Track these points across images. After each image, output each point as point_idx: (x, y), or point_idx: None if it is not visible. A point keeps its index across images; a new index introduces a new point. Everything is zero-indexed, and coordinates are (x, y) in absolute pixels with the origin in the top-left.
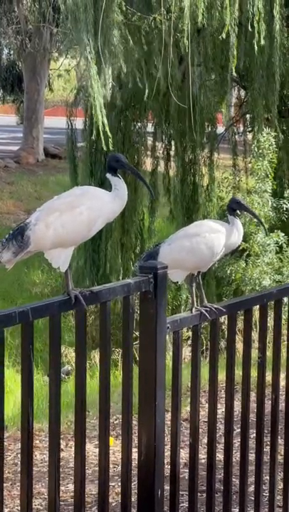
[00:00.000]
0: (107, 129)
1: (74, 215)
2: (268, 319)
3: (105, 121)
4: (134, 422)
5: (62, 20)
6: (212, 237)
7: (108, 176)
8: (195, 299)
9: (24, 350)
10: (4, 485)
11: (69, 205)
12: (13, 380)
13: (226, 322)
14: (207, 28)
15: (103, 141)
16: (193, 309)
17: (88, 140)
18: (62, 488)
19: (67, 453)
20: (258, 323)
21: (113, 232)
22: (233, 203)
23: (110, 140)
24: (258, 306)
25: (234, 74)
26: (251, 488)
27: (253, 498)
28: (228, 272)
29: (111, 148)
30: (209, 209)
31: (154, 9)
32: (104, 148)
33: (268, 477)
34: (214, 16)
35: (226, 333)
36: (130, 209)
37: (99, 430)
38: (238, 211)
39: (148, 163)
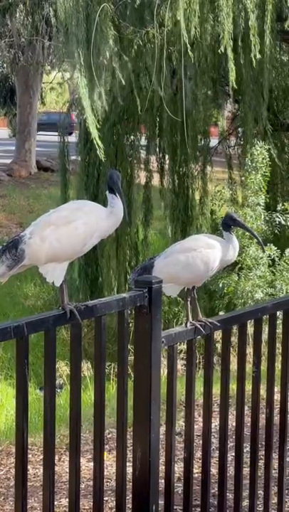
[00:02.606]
0: (98, 141)
1: (70, 230)
2: (263, 333)
3: (96, 134)
4: (129, 436)
5: (54, 33)
6: (208, 252)
7: (106, 192)
8: (190, 313)
9: (19, 365)
10: None
11: (65, 219)
12: (4, 393)
13: (221, 336)
14: (200, 41)
15: (99, 153)
16: (188, 324)
17: (82, 153)
18: (54, 502)
19: (60, 467)
20: (252, 338)
21: (106, 245)
22: (229, 219)
23: (102, 152)
24: (252, 321)
25: (226, 87)
26: (245, 503)
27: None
28: (221, 285)
29: (103, 159)
30: (202, 222)
31: (146, 23)
32: (102, 159)
33: (261, 491)
34: (207, 29)
35: (221, 347)
36: (123, 222)
37: (94, 444)
38: (232, 227)
39: (142, 176)
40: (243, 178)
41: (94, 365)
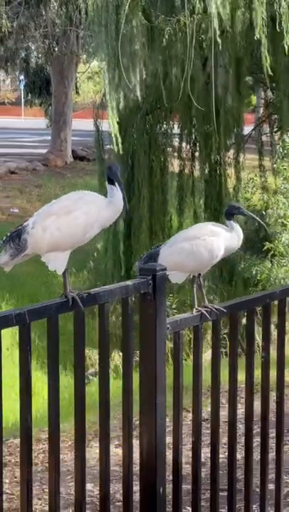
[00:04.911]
0: (118, 136)
1: (70, 219)
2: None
3: (116, 126)
4: None
5: (88, 23)
6: (212, 240)
7: (106, 183)
8: (196, 299)
9: (22, 352)
10: None
11: (66, 209)
12: (41, 381)
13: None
14: (232, 28)
15: (114, 145)
16: (194, 310)
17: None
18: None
19: (88, 454)
20: (261, 323)
21: (142, 234)
22: (232, 209)
23: (121, 148)
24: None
25: (260, 75)
26: (257, 489)
27: (258, 491)
28: (254, 272)
29: (121, 152)
30: None
31: (177, 11)
32: (116, 151)
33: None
34: (239, 16)
35: (228, 333)
36: (157, 210)
37: (99, 432)
38: (236, 215)
39: (175, 165)
40: (275, 166)
41: (98, 352)
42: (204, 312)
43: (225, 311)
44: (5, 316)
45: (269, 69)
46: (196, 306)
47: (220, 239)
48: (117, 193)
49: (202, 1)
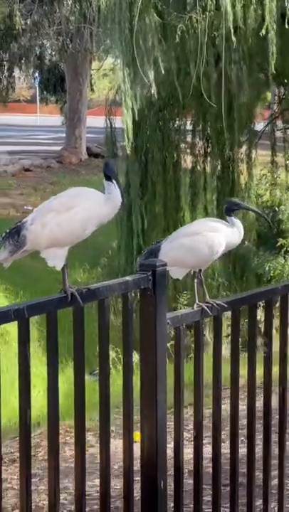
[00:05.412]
0: (130, 135)
1: (69, 216)
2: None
3: (130, 128)
4: None
5: (102, 20)
6: (212, 235)
7: (103, 180)
8: (197, 295)
9: (21, 347)
10: (32, 480)
11: (65, 205)
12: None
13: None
14: (244, 25)
15: (126, 144)
16: (195, 305)
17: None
18: (88, 482)
19: (96, 449)
20: (263, 319)
21: (154, 230)
22: (232, 205)
23: (130, 147)
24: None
25: (272, 71)
26: (260, 483)
27: (261, 486)
28: (267, 268)
29: (129, 152)
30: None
31: (189, 8)
32: (127, 151)
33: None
34: (251, 13)
35: (230, 329)
36: (170, 206)
37: (100, 428)
38: (236, 211)
39: (188, 161)
40: (287, 162)
41: (98, 347)
42: (205, 307)
43: (226, 306)
44: (4, 311)
45: (273, 66)
46: (197, 302)
47: (220, 235)
48: (114, 190)
49: None
